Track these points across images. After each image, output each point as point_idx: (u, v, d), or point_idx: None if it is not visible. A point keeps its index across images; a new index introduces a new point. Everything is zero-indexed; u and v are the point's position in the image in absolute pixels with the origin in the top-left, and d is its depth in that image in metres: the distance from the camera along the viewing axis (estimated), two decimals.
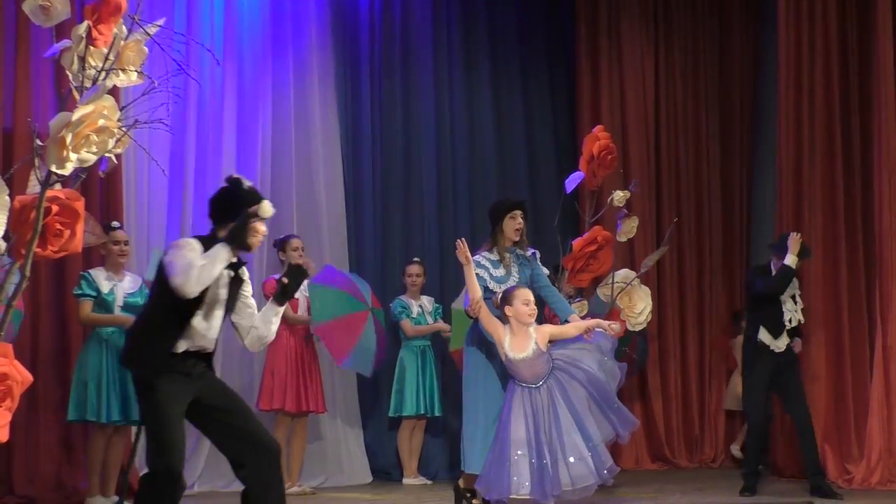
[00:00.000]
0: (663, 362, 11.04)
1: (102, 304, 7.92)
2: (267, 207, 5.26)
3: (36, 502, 7.92)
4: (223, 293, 5.34)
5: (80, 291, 7.94)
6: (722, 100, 11.64)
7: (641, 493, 8.73)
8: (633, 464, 10.74)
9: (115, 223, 8.12)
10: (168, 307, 5.20)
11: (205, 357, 5.37)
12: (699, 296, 11.37)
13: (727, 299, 11.45)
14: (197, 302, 5.21)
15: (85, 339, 8.02)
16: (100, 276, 7.97)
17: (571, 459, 6.63)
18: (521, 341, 6.85)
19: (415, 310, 9.74)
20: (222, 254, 5.17)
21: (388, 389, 9.76)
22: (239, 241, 5.21)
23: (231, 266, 5.30)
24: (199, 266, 5.10)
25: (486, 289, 7.26)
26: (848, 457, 9.38)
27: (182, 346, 5.26)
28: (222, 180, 5.47)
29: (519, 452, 6.70)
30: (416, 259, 9.91)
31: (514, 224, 7.43)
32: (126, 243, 8.11)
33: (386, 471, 9.93)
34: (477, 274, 7.20)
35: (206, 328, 5.31)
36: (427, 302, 9.83)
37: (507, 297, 6.99)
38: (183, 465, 5.25)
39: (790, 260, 8.50)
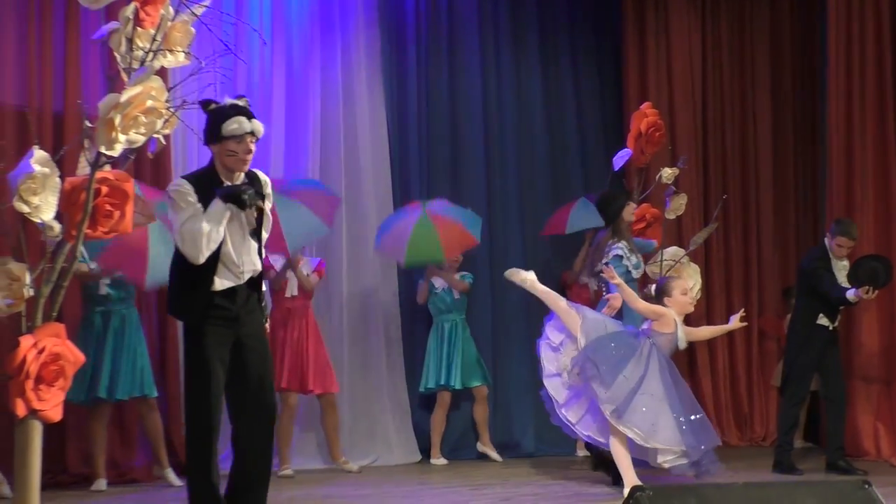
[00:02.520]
0: (711, 340, 10.95)
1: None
2: (245, 124, 5.16)
3: (90, 481, 7.99)
4: (247, 223, 5.29)
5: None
6: (771, 76, 11.51)
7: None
8: None
9: None
10: None
11: (251, 286, 5.35)
12: (746, 273, 11.27)
13: (777, 277, 11.34)
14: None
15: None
16: None
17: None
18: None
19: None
20: (223, 213, 5.13)
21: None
22: (236, 202, 5.17)
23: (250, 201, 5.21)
24: (206, 234, 5.07)
25: (627, 275, 7.93)
26: None
27: (220, 284, 5.24)
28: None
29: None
30: None
31: (629, 216, 8.26)
32: None
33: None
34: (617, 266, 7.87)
35: (240, 260, 5.28)
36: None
37: (664, 289, 7.42)
38: (218, 418, 5.30)
39: (852, 297, 8.37)
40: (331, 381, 8.99)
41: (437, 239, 8.82)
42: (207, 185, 5.16)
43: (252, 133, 5.20)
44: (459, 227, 8.88)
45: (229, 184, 5.22)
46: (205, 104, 5.27)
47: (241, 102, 5.27)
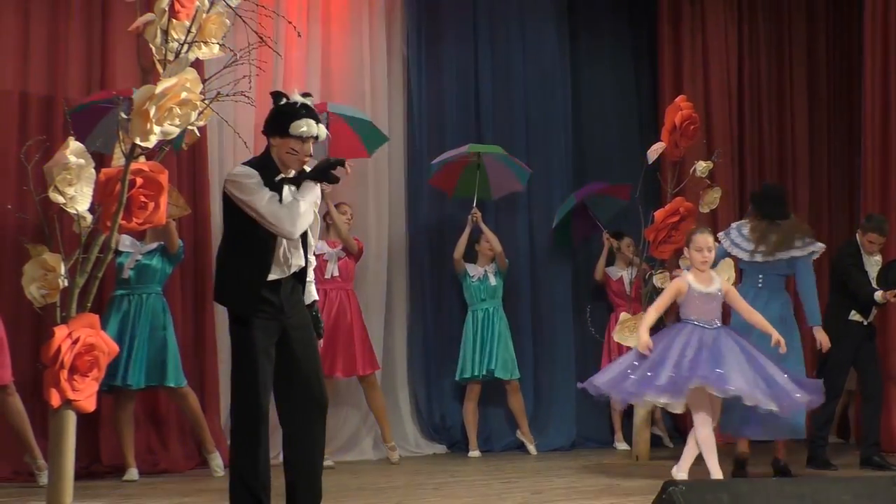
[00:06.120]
0: None
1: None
2: (313, 128, 5.18)
3: (123, 471, 8.03)
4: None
5: None
6: (808, 70, 11.44)
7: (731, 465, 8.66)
8: (719, 437, 10.63)
9: None
10: (253, 238, 5.15)
11: (298, 277, 5.34)
12: None
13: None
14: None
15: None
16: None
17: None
18: (705, 279, 7.55)
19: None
20: (316, 192, 5.21)
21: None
22: (327, 179, 5.24)
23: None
24: (303, 212, 5.11)
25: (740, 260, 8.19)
26: None
27: (273, 275, 5.22)
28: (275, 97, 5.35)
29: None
30: None
31: None
32: None
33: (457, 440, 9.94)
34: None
35: (295, 254, 5.28)
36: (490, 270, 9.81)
37: (690, 239, 7.67)
38: (268, 404, 5.23)
39: (879, 299, 8.37)
40: (373, 361, 9.02)
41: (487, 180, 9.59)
42: (265, 173, 5.16)
43: (316, 137, 5.23)
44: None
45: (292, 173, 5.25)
46: (276, 96, 5.27)
47: (310, 102, 5.27)
